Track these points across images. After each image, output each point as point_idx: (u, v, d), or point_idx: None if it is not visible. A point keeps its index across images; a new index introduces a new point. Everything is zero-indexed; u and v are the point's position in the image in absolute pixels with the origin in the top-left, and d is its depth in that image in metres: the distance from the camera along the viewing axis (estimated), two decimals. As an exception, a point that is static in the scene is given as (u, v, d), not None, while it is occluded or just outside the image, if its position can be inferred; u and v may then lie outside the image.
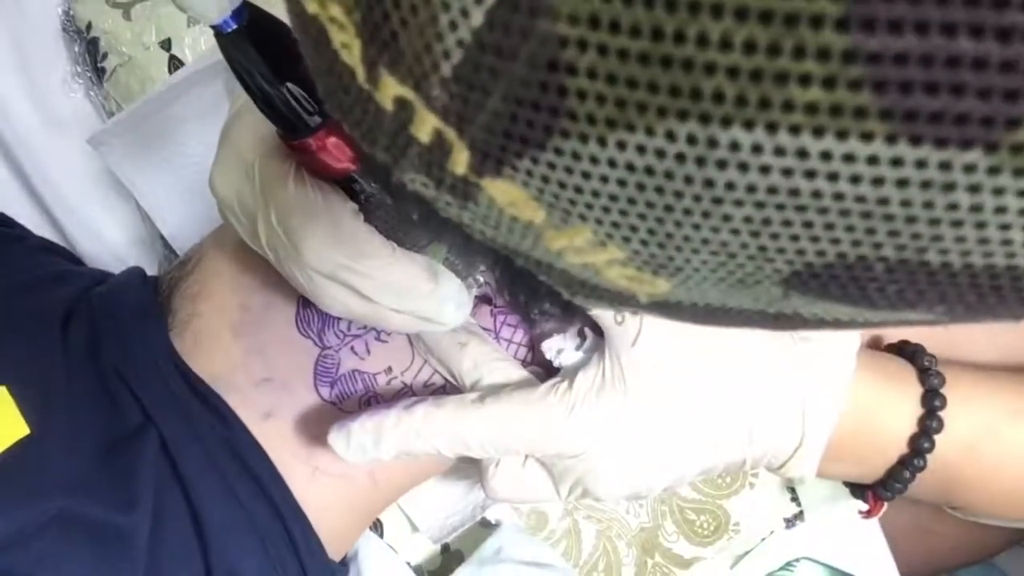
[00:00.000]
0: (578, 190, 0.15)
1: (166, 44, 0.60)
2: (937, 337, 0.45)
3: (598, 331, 0.41)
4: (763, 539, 0.55)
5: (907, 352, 0.43)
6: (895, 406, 0.41)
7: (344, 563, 0.50)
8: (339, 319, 0.44)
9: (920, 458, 0.40)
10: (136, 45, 0.60)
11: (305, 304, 0.44)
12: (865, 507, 0.46)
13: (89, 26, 0.61)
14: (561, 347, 0.42)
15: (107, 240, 0.63)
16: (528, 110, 0.14)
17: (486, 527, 0.54)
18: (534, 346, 0.45)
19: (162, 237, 0.60)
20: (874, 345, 0.45)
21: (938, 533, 0.59)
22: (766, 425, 0.40)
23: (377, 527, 0.53)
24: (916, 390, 0.41)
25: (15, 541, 0.36)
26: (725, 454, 0.40)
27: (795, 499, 0.55)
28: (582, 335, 0.43)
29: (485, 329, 0.44)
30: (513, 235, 0.18)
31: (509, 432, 0.39)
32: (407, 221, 0.36)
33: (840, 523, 0.55)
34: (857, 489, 0.46)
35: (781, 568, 0.55)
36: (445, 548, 0.54)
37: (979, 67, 0.12)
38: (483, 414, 0.39)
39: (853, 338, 0.41)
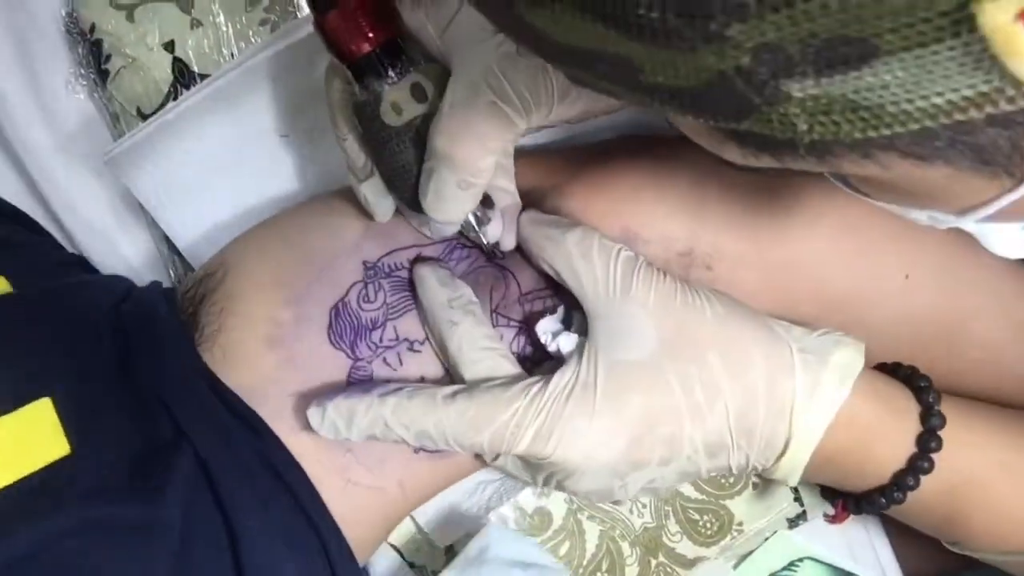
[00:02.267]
0: None
1: (169, 46, 0.60)
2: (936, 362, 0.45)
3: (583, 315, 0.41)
4: (766, 539, 0.55)
5: (907, 377, 0.43)
6: (891, 438, 0.41)
7: (364, 570, 0.50)
8: (371, 331, 0.44)
9: (900, 492, 0.41)
10: (140, 47, 0.60)
11: (337, 316, 0.44)
12: (831, 512, 0.46)
13: (92, 28, 0.61)
14: (555, 329, 0.42)
15: (111, 241, 0.63)
16: None
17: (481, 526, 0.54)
18: (529, 331, 0.45)
19: (167, 239, 0.60)
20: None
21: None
22: (751, 431, 0.40)
23: (382, 528, 0.53)
24: (915, 427, 0.41)
25: (35, 552, 0.37)
26: (707, 459, 0.40)
27: (798, 499, 0.55)
28: (569, 320, 0.43)
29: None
30: None
31: (474, 431, 0.39)
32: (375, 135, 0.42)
33: (843, 524, 0.55)
34: (828, 492, 0.47)
35: (784, 568, 0.55)
36: (449, 548, 0.54)
37: None
38: (450, 411, 0.39)
39: (854, 356, 0.41)
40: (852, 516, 0.45)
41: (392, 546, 0.53)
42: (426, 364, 0.44)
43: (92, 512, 0.38)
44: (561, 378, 0.39)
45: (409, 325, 0.45)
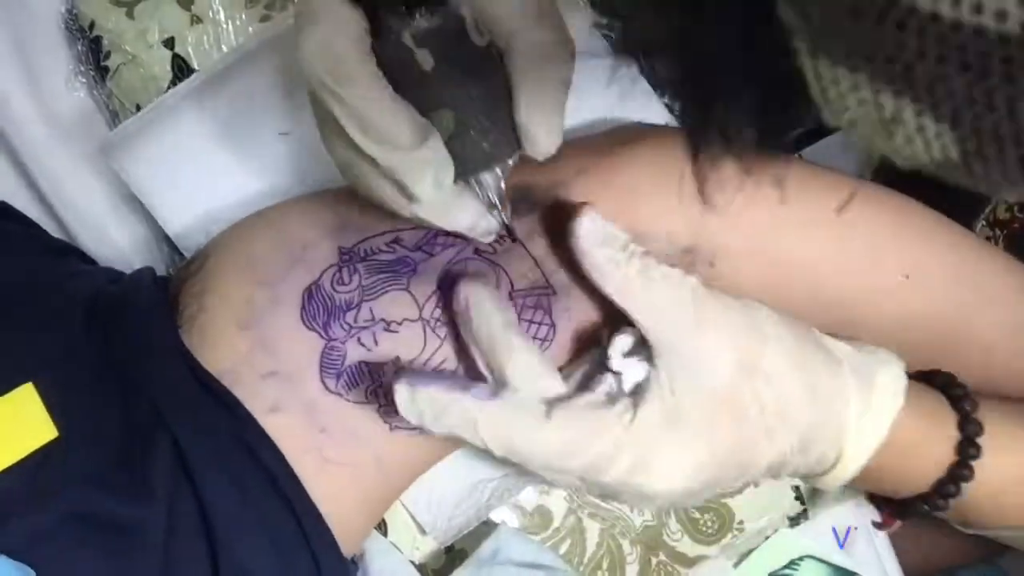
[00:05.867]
0: None
1: (169, 43, 0.60)
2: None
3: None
4: (767, 537, 0.55)
5: (943, 384, 0.43)
6: (930, 448, 0.41)
7: (354, 562, 0.50)
8: (345, 312, 0.44)
9: (943, 499, 0.41)
10: (139, 44, 0.60)
11: (310, 298, 0.45)
12: (879, 519, 0.46)
13: (92, 25, 0.61)
14: (626, 349, 0.40)
15: (111, 238, 0.63)
16: None
17: (490, 526, 0.54)
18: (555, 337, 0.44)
19: (166, 236, 0.60)
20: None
21: (941, 532, 0.59)
22: (807, 450, 0.40)
23: (381, 526, 0.53)
24: (953, 436, 0.41)
25: (29, 544, 0.37)
26: (767, 476, 0.40)
27: (799, 498, 0.55)
28: (635, 341, 0.40)
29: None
30: None
31: (569, 456, 0.37)
32: (425, 78, 0.35)
33: (844, 522, 0.55)
34: (874, 498, 0.46)
35: (785, 567, 0.55)
36: (449, 547, 0.54)
37: None
38: (546, 431, 0.37)
39: (898, 375, 0.41)
40: (873, 521, 0.45)
41: (392, 544, 0.53)
42: (401, 344, 0.44)
43: (82, 503, 0.38)
44: (648, 406, 0.38)
45: (386, 306, 0.44)
